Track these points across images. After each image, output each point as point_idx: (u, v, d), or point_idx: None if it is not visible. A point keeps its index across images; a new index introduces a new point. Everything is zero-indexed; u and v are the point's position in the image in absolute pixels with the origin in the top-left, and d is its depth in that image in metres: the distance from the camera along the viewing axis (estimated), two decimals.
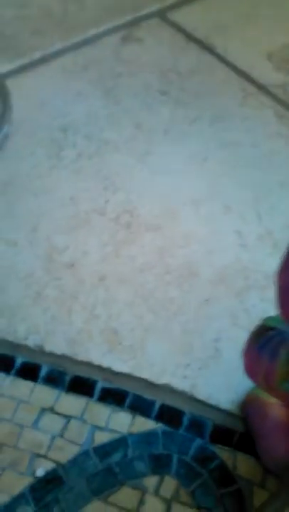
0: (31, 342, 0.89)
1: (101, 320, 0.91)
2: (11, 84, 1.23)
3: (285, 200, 1.04)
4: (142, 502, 0.78)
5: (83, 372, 0.88)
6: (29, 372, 0.87)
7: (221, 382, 0.87)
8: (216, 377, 0.87)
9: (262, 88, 1.26)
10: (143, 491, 0.79)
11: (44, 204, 1.03)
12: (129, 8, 1.38)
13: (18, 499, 0.78)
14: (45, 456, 0.81)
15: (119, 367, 0.88)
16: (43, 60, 1.26)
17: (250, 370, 0.64)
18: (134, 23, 1.36)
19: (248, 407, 0.82)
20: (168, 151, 1.13)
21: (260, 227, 1.01)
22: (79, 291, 0.94)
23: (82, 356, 0.88)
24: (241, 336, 0.89)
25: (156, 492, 0.79)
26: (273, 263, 0.98)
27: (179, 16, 1.39)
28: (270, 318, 0.60)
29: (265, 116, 1.19)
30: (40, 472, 0.80)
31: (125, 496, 0.79)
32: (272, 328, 0.58)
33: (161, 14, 1.39)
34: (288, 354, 0.57)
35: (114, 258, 0.97)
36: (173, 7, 1.41)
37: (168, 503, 0.78)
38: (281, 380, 0.61)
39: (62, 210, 1.02)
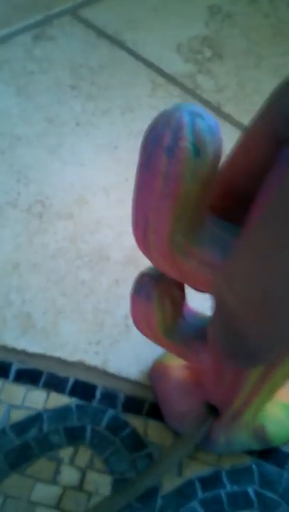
0: None
1: (15, 305, 0.95)
2: None
3: None
4: (57, 471, 0.83)
5: None
6: None
7: (131, 355, 0.91)
8: (126, 352, 0.92)
9: (170, 79, 1.32)
10: (58, 461, 0.83)
11: None
12: (41, 6, 1.42)
13: None
14: None
15: (33, 348, 0.92)
16: None
17: (135, 319, 0.68)
18: (46, 21, 1.40)
19: (152, 374, 0.87)
20: (79, 142, 1.18)
21: None
22: None
23: None
24: None
25: (72, 462, 0.84)
26: None
27: (90, 13, 1.43)
28: (150, 267, 0.64)
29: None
30: None
31: (41, 467, 0.83)
32: (148, 274, 0.62)
33: (73, 11, 1.43)
34: (159, 296, 0.62)
35: (27, 247, 1.01)
36: (84, 4, 1.45)
37: (83, 471, 0.83)
38: (160, 325, 0.65)
39: None
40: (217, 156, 0.46)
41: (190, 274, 0.54)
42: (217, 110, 1.27)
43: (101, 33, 1.39)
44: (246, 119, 1.26)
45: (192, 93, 1.30)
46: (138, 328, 0.70)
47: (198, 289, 0.57)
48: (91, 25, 1.40)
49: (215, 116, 1.26)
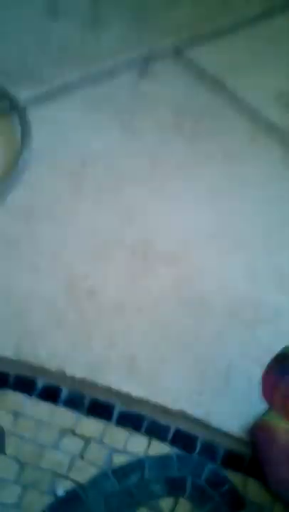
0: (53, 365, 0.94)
1: (119, 347, 0.96)
2: (30, 112, 1.28)
3: None
4: None
5: (102, 396, 0.92)
6: (50, 394, 0.92)
7: (232, 409, 0.92)
8: (228, 405, 0.92)
9: (270, 127, 1.33)
10: (157, 510, 0.84)
11: (65, 233, 1.09)
12: (144, 40, 1.44)
13: None
14: (65, 477, 0.86)
15: (136, 392, 0.93)
16: (63, 91, 1.32)
17: (268, 395, 0.69)
18: (151, 57, 1.42)
19: (256, 433, 0.87)
20: (182, 185, 1.19)
21: (269, 262, 1.07)
22: (98, 318, 0.99)
23: (101, 381, 0.93)
24: (250, 366, 0.95)
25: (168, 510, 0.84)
26: (281, 297, 1.05)
27: (193, 53, 1.45)
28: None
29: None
30: (60, 492, 0.85)
31: None
32: None
33: (177, 50, 1.45)
34: None
35: (131, 288, 1.03)
36: (188, 44, 1.47)
37: None
38: None
39: (83, 240, 1.07)
40: None
41: None
42: None
43: (203, 75, 1.41)
44: None
45: None
46: (269, 403, 0.72)
47: None
48: (194, 66, 1.42)
49: None
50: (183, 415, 0.92)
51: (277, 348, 0.79)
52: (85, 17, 1.50)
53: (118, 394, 0.93)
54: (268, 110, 1.35)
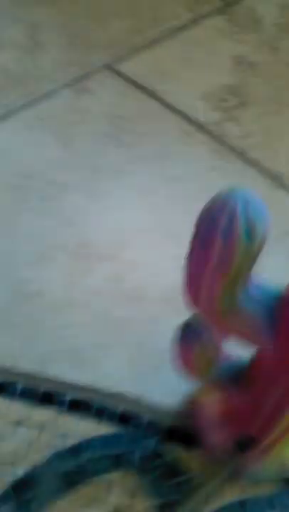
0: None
1: (65, 340, 1.06)
2: None
3: None
4: (109, 492, 0.93)
5: (53, 387, 1.02)
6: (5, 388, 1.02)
7: (170, 388, 1.01)
8: (165, 385, 1.02)
9: (199, 126, 1.43)
10: (109, 483, 0.94)
11: (10, 242, 1.18)
12: (80, 61, 1.55)
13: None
14: (23, 461, 0.95)
15: (83, 380, 1.02)
16: (6, 115, 1.41)
17: (180, 362, 0.79)
18: (86, 75, 1.52)
19: (189, 406, 0.97)
20: (119, 188, 1.29)
21: None
22: (44, 316, 1.09)
23: (51, 373, 1.03)
24: None
25: (121, 485, 0.94)
26: None
27: (125, 66, 1.55)
28: (193, 316, 0.75)
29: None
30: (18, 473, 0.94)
31: (94, 488, 0.93)
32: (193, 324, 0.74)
33: (109, 65, 1.56)
34: (203, 343, 0.73)
35: (73, 286, 1.13)
36: (120, 58, 1.58)
37: (131, 494, 0.93)
38: (203, 367, 0.76)
39: (28, 246, 1.17)
40: (265, 236, 0.56)
41: (233, 329, 0.65)
42: (242, 156, 1.38)
43: (135, 85, 1.51)
44: (271, 164, 1.37)
45: (219, 140, 1.42)
46: (182, 367, 0.81)
47: (239, 340, 0.68)
48: (126, 78, 1.53)
49: (240, 162, 1.38)
50: (126, 397, 1.01)
51: None
52: (23, 44, 1.60)
53: (67, 383, 1.02)
54: (195, 111, 1.46)
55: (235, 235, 0.55)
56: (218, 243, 0.56)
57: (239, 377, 0.77)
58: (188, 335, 0.74)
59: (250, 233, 0.55)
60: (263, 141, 1.42)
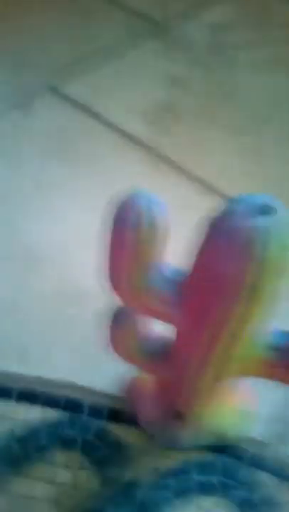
0: None
1: (14, 339, 1.16)
2: None
3: None
4: (54, 473, 1.02)
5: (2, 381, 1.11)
6: None
7: (111, 375, 1.12)
8: (107, 372, 1.12)
9: (136, 141, 1.56)
10: (53, 464, 1.03)
11: None
12: (21, 89, 1.66)
13: None
14: None
15: (31, 373, 1.12)
16: None
17: (112, 345, 0.90)
18: (29, 100, 1.64)
19: (129, 389, 1.08)
20: (61, 203, 1.40)
21: None
22: None
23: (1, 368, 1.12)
24: None
25: (66, 465, 1.03)
26: None
27: (67, 88, 1.68)
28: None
29: None
30: None
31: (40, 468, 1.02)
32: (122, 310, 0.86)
33: (52, 88, 1.68)
34: (130, 325, 0.84)
35: (22, 291, 1.23)
36: (62, 80, 1.70)
37: (75, 472, 1.03)
38: (132, 347, 0.87)
39: None
40: (165, 227, 0.68)
41: (149, 308, 0.76)
42: (175, 165, 1.51)
43: (76, 104, 1.64)
44: (202, 173, 1.50)
45: (155, 152, 1.54)
46: (115, 351, 0.92)
47: (158, 319, 0.80)
48: (67, 98, 1.65)
49: (174, 172, 1.50)
50: (72, 385, 1.11)
51: None
52: None
53: (16, 377, 1.12)
54: (132, 126, 1.58)
55: (141, 228, 0.66)
56: (128, 236, 0.67)
57: (165, 354, 0.88)
58: (120, 320, 0.85)
59: (153, 225, 0.66)
60: (193, 152, 1.55)
